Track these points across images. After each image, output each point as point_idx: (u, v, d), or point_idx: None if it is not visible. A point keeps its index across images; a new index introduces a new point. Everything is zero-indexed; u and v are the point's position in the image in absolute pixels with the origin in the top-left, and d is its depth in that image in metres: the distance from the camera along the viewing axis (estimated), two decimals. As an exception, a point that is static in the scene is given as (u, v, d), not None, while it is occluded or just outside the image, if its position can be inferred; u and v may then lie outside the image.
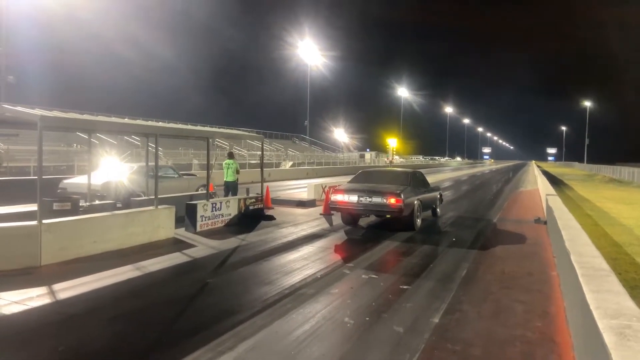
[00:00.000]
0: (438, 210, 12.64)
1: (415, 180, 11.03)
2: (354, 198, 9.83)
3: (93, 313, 4.77)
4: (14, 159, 20.91)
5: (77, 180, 12.12)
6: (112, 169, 12.81)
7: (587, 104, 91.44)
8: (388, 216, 9.82)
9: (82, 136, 23.47)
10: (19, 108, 7.38)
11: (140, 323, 4.59)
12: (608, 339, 2.46)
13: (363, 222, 11.09)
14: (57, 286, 5.52)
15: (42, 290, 5.38)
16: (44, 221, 6.55)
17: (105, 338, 4.19)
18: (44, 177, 7.52)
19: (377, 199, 9.61)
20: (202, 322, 4.52)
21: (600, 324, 2.67)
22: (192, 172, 20.36)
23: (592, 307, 2.99)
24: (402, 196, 9.47)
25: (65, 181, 12.05)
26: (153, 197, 8.73)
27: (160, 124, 14.09)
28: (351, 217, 10.61)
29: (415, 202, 10.17)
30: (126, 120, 12.57)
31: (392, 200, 9.46)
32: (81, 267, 6.38)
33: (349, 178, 11.95)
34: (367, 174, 11.66)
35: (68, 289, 5.46)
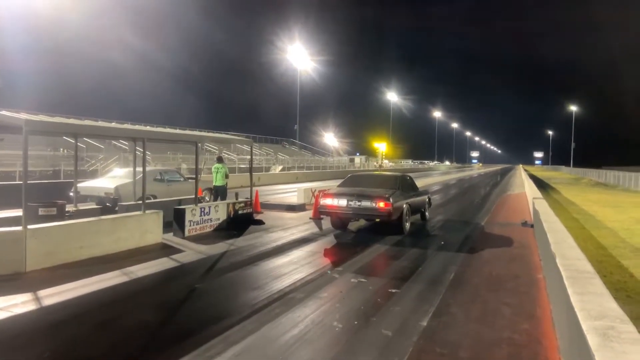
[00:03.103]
0: (427, 214, 12.70)
1: (404, 184, 11.08)
2: (343, 202, 9.86)
3: (79, 319, 4.72)
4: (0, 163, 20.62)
5: (90, 184, 12.58)
6: (123, 173, 13.34)
7: (574, 108, 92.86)
8: (377, 220, 9.86)
9: (69, 140, 23.23)
10: (3, 112, 7.28)
11: (127, 329, 4.54)
12: (592, 340, 2.49)
13: (352, 226, 11.11)
14: (42, 292, 5.45)
15: (27, 296, 5.31)
16: (29, 227, 6.47)
17: (91, 344, 4.14)
18: (32, 181, 7.44)
19: (366, 203, 9.65)
20: (190, 328, 4.50)
21: (584, 326, 2.70)
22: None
23: (576, 308, 3.03)
24: (390, 200, 9.52)
25: (78, 185, 12.16)
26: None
27: (148, 128, 14.00)
28: (340, 221, 10.62)
29: (404, 205, 10.22)
30: (113, 125, 12.49)
31: (381, 204, 9.50)
32: (67, 273, 6.31)
33: (338, 182, 11.97)
34: (356, 178, 11.67)
35: (54, 295, 5.39)
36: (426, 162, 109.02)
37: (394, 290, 5.82)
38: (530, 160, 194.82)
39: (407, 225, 10.43)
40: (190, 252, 7.96)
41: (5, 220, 7.58)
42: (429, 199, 13.23)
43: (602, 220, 14.46)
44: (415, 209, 11.43)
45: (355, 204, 9.75)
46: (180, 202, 10.73)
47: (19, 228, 6.39)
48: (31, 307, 5.01)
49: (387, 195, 9.62)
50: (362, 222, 11.37)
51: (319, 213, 10.66)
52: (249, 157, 14.29)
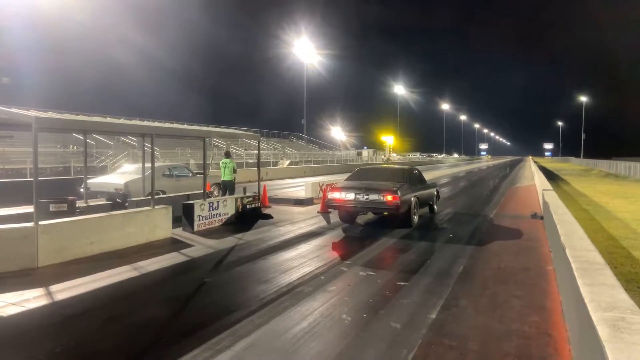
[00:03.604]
0: (435, 206, 12.65)
1: (412, 177, 11.04)
2: (351, 196, 9.84)
3: (90, 314, 4.77)
4: (10, 161, 20.85)
5: (100, 180, 12.81)
6: (133, 168, 13.52)
7: (584, 99, 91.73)
8: (385, 213, 9.83)
9: (78, 137, 23.41)
10: (13, 109, 7.36)
11: (138, 323, 4.59)
12: (602, 331, 2.48)
13: (360, 219, 11.11)
14: (54, 287, 5.52)
15: (39, 291, 5.38)
16: (41, 223, 6.54)
17: (102, 338, 4.19)
18: (42, 178, 7.52)
19: (374, 196, 9.63)
20: (199, 321, 4.53)
21: (594, 317, 2.69)
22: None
23: (586, 300, 3.01)
24: (399, 193, 9.49)
25: (89, 181, 12.41)
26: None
27: (156, 124, 14.08)
28: (348, 215, 10.62)
29: (412, 198, 10.19)
30: (122, 121, 12.59)
31: (389, 197, 9.47)
32: (78, 268, 6.38)
33: (346, 176, 11.96)
34: (364, 172, 11.64)
35: (65, 290, 5.46)
36: (434, 154, 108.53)
37: (402, 283, 5.82)
38: (539, 152, 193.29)
39: (416, 218, 10.40)
40: (200, 247, 8.01)
41: (17, 216, 7.69)
42: (437, 192, 13.17)
43: (612, 211, 14.31)
44: (424, 202, 11.39)
45: (363, 197, 9.73)
46: (188, 197, 10.80)
47: (31, 224, 6.47)
48: (43, 302, 5.08)
49: (395, 189, 9.59)
50: (370, 216, 11.36)
51: (327, 207, 10.66)
52: (256, 151, 14.34)
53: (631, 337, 2.40)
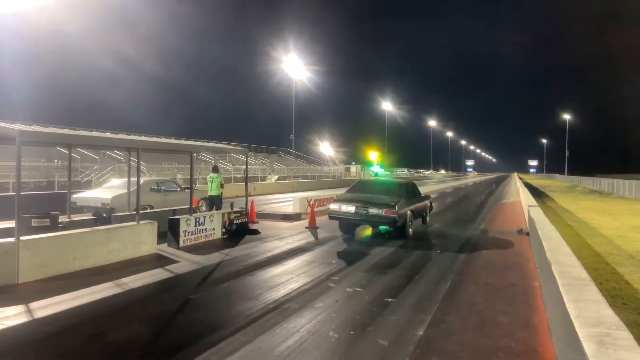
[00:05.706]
0: (427, 218, 13.34)
1: (409, 191, 11.77)
2: (351, 208, 10.44)
3: (72, 331, 4.65)
4: (-7, 175, 20.47)
5: (87, 195, 12.77)
6: (120, 183, 13.52)
7: (567, 117, 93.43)
8: (383, 226, 10.54)
9: (62, 151, 23.14)
10: (-3, 123, 7.25)
11: (120, 341, 4.48)
12: (588, 347, 2.48)
13: (351, 233, 11.18)
14: (34, 304, 5.38)
15: (19, 308, 5.24)
16: (22, 238, 6.41)
17: (84, 357, 4.09)
18: (25, 192, 7.37)
19: (373, 210, 10.22)
20: (184, 339, 4.44)
21: (580, 333, 2.69)
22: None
23: (572, 316, 3.02)
24: (396, 208, 10.09)
25: (76, 195, 12.30)
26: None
27: (143, 138, 14.00)
28: (348, 226, 11.18)
29: (408, 212, 10.82)
30: (107, 135, 12.45)
31: (388, 212, 10.09)
32: (60, 285, 6.24)
33: (335, 191, 12.06)
34: (364, 184, 12.38)
35: (46, 307, 5.32)
36: (422, 170, 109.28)
37: (390, 300, 5.79)
38: (525, 169, 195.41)
39: (411, 230, 11.00)
40: (185, 263, 7.90)
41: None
42: (431, 204, 13.94)
43: (597, 227, 14.49)
44: (418, 214, 12.08)
45: (363, 210, 10.30)
46: (174, 212, 10.68)
47: (12, 240, 6.33)
48: (23, 319, 4.94)
49: (393, 203, 10.21)
50: (360, 229, 11.46)
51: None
52: (244, 166, 14.30)
53: (617, 352, 2.40)
